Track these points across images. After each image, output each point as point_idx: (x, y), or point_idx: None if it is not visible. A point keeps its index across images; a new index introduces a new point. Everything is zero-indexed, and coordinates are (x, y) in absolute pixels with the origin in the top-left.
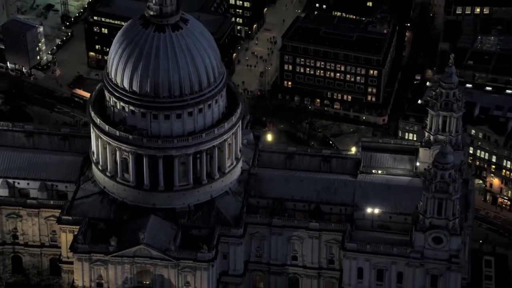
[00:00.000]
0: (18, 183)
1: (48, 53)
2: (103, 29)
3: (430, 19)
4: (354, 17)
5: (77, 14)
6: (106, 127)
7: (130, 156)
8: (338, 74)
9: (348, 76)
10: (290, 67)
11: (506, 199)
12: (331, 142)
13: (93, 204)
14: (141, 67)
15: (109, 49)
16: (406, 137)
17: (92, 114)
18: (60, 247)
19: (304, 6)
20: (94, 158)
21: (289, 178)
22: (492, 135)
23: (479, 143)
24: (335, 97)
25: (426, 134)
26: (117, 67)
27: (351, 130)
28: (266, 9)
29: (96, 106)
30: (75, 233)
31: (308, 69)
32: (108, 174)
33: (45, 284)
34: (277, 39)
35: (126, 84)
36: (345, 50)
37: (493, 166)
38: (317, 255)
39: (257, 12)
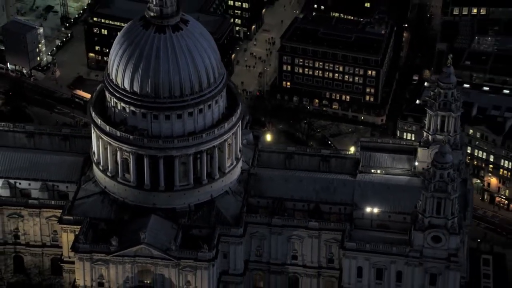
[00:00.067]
0: (20, 183)
1: (48, 54)
2: (102, 30)
3: (427, 20)
4: (352, 18)
5: (76, 16)
6: (107, 128)
7: (131, 156)
8: (336, 75)
9: (347, 76)
10: (289, 67)
11: (503, 198)
12: (329, 142)
13: (94, 204)
14: (141, 68)
15: (109, 50)
16: (405, 137)
17: (93, 114)
18: (61, 247)
19: (302, 7)
20: (95, 158)
21: (289, 178)
22: (489, 135)
23: (477, 142)
24: (333, 97)
25: (425, 134)
26: (118, 68)
27: (350, 130)
28: (264, 10)
29: (97, 107)
30: (76, 233)
31: (306, 69)
32: (109, 174)
33: (47, 283)
34: (275, 39)
35: (126, 85)
36: (344, 51)
37: (491, 166)
38: (316, 254)
39: (255, 13)
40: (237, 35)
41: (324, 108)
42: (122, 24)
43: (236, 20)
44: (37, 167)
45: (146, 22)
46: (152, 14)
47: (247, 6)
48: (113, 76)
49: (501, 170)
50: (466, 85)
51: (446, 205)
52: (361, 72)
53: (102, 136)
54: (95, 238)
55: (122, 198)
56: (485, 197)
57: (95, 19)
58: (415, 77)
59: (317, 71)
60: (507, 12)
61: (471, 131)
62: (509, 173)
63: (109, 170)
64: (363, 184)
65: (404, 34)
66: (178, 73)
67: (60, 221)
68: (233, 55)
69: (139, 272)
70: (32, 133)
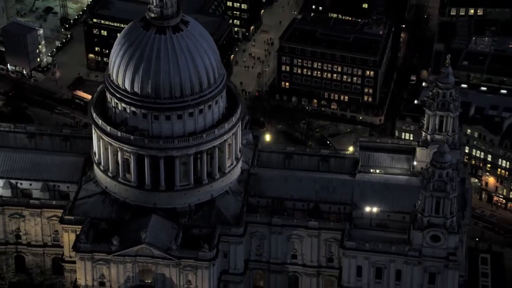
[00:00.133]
0: (21, 183)
1: (48, 55)
2: (102, 31)
3: (424, 21)
4: (350, 18)
5: (76, 17)
6: (108, 128)
7: (132, 157)
8: (335, 75)
9: (345, 76)
10: (288, 68)
11: (501, 197)
12: (328, 142)
13: (95, 204)
14: (142, 68)
15: (108, 51)
16: (403, 137)
17: (94, 115)
18: (62, 247)
19: (301, 8)
20: (96, 158)
21: (288, 177)
22: (487, 135)
23: (475, 142)
24: (332, 97)
25: (423, 133)
26: (119, 69)
27: (348, 130)
28: (263, 11)
29: (97, 107)
30: (78, 232)
31: (305, 70)
32: (109, 174)
33: (48, 283)
34: (274, 40)
35: (127, 86)
36: (342, 51)
37: (489, 165)
38: (316, 253)
39: (254, 14)
40: (236, 36)
41: (322, 108)
42: (122, 25)
43: (235, 21)
44: (38, 168)
45: (147, 23)
46: (152, 15)
47: (245, 7)
48: (114, 77)
49: (499, 169)
50: (463, 85)
51: (445, 205)
52: (359, 73)
53: (103, 137)
54: (96, 238)
55: (123, 198)
56: (483, 196)
57: (94, 20)
58: (413, 78)
59: (315, 72)
60: (504, 12)
61: (469, 130)
62: (506, 173)
63: (110, 170)
64: (362, 184)
65: (402, 35)
66: (179, 73)
67: (61, 221)
68: (232, 56)
69: (140, 272)
70: (33, 134)
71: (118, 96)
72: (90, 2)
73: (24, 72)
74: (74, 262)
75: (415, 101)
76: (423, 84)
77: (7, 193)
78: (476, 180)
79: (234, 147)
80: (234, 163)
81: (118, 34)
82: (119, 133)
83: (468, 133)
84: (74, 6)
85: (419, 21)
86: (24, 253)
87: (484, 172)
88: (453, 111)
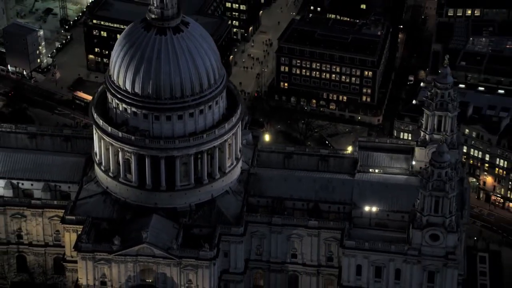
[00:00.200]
0: (22, 184)
1: (48, 56)
2: (102, 32)
3: (422, 21)
4: (348, 19)
5: (75, 18)
6: (109, 129)
7: (133, 157)
8: (333, 75)
9: (343, 77)
10: (286, 68)
11: (499, 197)
12: (327, 142)
13: (96, 204)
14: (143, 69)
15: (108, 52)
16: (401, 137)
17: (95, 116)
18: (64, 247)
19: (299, 9)
20: (97, 159)
21: (288, 177)
22: (485, 134)
23: (473, 142)
24: (330, 98)
25: (422, 133)
26: (120, 70)
27: (347, 130)
28: (261, 12)
29: (98, 108)
30: (79, 232)
31: (304, 70)
32: (110, 174)
33: (50, 283)
34: (272, 41)
35: (128, 86)
36: (340, 52)
37: (486, 165)
38: (316, 252)
39: (253, 15)
40: (235, 37)
41: (321, 109)
42: (121, 26)
43: (234, 22)
44: (39, 168)
45: (147, 24)
46: (153, 16)
47: (244, 8)
48: (115, 78)
49: (497, 169)
50: (461, 85)
51: (444, 204)
52: (358, 73)
53: (104, 137)
54: (98, 238)
55: (124, 198)
56: (481, 195)
57: (94, 21)
58: (411, 78)
59: (314, 72)
60: (501, 13)
61: (467, 130)
62: (504, 172)
63: (111, 170)
64: (362, 183)
65: (400, 35)
66: (179, 74)
67: (63, 221)
68: (231, 56)
69: (141, 271)
70: (34, 134)
71: (119, 96)
72: (90, 3)
73: (25, 73)
74: (75, 262)
75: (413, 101)
76: (421, 84)
77: (8, 193)
78: (474, 180)
79: (234, 147)
80: (234, 163)
81: (118, 35)
82: (120, 134)
83: (466, 133)
84: (73, 7)
85: (416, 22)
86: (26, 253)
87: (482, 172)
88: (452, 111)
